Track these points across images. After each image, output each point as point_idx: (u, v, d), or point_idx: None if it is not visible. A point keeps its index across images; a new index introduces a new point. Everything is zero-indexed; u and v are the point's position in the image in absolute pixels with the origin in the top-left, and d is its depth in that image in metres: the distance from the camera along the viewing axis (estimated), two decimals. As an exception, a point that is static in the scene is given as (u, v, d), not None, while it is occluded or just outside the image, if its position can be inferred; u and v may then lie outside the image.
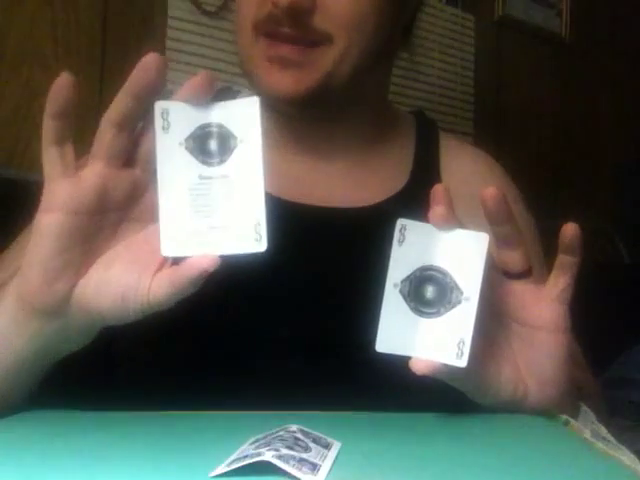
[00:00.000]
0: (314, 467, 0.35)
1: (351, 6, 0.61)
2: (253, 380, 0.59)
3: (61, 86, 0.43)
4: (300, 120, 0.69)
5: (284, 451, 0.36)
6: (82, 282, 0.44)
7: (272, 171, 0.71)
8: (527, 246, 0.51)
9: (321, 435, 0.41)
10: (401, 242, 0.48)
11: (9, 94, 1.14)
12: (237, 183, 0.44)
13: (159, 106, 0.45)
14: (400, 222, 0.48)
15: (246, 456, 0.35)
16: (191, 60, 1.33)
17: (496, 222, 0.49)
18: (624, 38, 2.15)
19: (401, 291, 0.48)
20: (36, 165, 1.26)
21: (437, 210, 0.47)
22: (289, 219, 0.68)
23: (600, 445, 0.43)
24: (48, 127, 0.44)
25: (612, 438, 0.45)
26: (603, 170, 2.10)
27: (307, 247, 0.66)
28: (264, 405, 0.50)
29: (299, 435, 0.40)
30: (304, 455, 0.36)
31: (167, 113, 0.45)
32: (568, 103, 2.04)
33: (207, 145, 0.44)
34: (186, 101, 0.45)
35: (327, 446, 0.40)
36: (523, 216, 0.78)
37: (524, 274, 0.51)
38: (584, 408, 0.51)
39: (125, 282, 0.44)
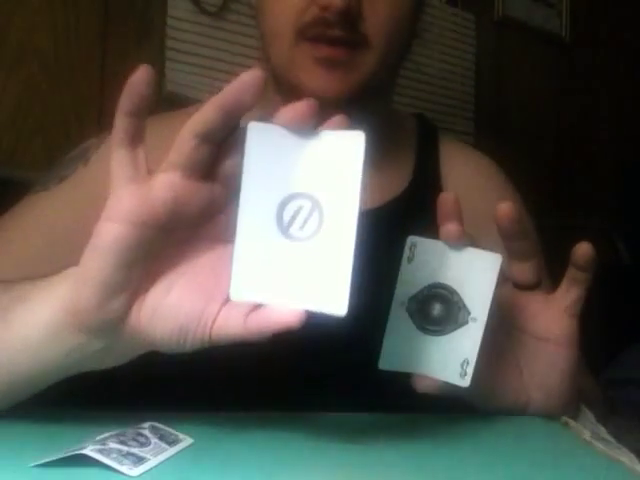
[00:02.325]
0: (138, 460, 0.36)
1: (389, 14, 0.64)
2: (254, 381, 0.59)
3: (140, 80, 0.38)
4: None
5: (112, 445, 0.37)
6: (139, 305, 0.40)
7: None
8: (539, 258, 0.51)
9: (173, 432, 0.42)
10: (410, 260, 0.47)
11: (9, 94, 1.14)
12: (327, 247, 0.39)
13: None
14: (410, 239, 0.47)
15: (70, 450, 0.36)
16: (191, 60, 1.33)
17: (510, 239, 0.48)
18: (624, 38, 2.15)
19: (407, 309, 0.47)
20: (36, 165, 1.25)
21: (450, 228, 0.46)
22: None
23: (600, 445, 0.44)
24: (121, 125, 0.39)
25: (612, 438, 0.45)
26: (603, 170, 2.10)
27: None
28: (264, 407, 0.50)
29: (145, 431, 0.41)
30: (135, 450, 0.37)
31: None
32: (568, 103, 2.03)
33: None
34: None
35: (173, 442, 0.41)
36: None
37: (534, 285, 0.51)
38: (584, 409, 0.51)
39: (186, 312, 0.40)
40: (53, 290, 0.43)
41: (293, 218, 0.38)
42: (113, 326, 0.40)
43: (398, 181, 0.73)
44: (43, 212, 0.66)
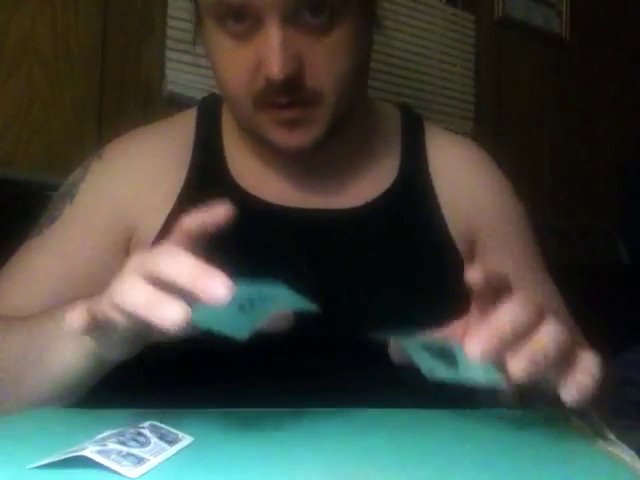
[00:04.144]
0: (138, 461, 0.37)
1: (333, 68, 0.63)
2: (254, 378, 0.59)
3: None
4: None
5: (111, 446, 0.37)
6: None
7: (262, 176, 0.72)
8: None
9: (173, 431, 0.42)
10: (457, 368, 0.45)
11: (9, 94, 1.14)
12: None
13: None
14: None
15: (70, 451, 0.36)
16: (191, 60, 1.33)
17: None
18: (624, 38, 2.15)
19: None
20: (36, 166, 1.25)
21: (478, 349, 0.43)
22: (285, 224, 0.68)
23: (601, 442, 0.44)
24: None
25: (613, 436, 0.45)
26: (603, 170, 2.10)
27: (304, 250, 0.67)
28: (264, 402, 0.51)
29: (145, 431, 0.41)
30: (134, 450, 0.38)
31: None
32: (568, 103, 2.03)
33: None
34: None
35: (173, 442, 0.41)
36: (511, 203, 0.79)
37: None
38: (587, 407, 0.51)
39: None
40: (77, 335, 0.49)
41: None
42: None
43: (386, 173, 0.74)
44: (37, 259, 0.68)
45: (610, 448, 0.42)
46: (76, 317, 0.44)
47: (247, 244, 0.67)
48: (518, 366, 0.42)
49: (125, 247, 0.69)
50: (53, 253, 0.68)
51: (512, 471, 0.38)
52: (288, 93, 0.62)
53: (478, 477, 0.37)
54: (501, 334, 0.42)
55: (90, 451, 0.36)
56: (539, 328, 0.44)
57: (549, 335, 0.43)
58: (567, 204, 1.98)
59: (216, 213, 0.48)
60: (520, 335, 0.43)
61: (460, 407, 0.51)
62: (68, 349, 0.53)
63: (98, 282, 0.67)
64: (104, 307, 0.44)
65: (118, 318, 0.44)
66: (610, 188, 2.10)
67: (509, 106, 1.91)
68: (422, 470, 0.38)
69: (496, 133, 1.85)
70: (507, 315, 0.43)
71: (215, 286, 0.39)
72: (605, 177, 2.10)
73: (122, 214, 0.69)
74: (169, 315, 0.40)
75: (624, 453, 0.41)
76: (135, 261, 0.45)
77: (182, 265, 0.42)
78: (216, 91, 0.85)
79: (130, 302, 0.42)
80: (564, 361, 0.44)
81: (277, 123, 0.64)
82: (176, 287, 0.41)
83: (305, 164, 0.72)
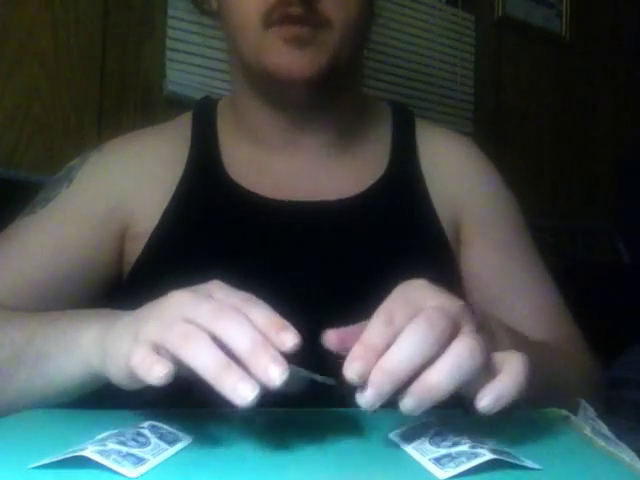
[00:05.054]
0: (138, 461, 0.37)
1: None
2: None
3: None
4: (294, 110, 0.71)
5: (111, 446, 0.37)
6: None
7: (256, 170, 0.72)
8: None
9: (173, 431, 0.42)
10: None
11: (9, 94, 1.14)
12: None
13: None
14: None
15: (70, 451, 0.36)
16: (191, 60, 1.33)
17: None
18: (624, 38, 2.15)
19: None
20: (36, 165, 1.25)
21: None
22: (277, 217, 0.69)
23: (600, 441, 0.44)
24: None
25: (612, 435, 0.45)
26: (603, 170, 2.10)
27: (296, 243, 0.67)
28: (264, 402, 0.50)
29: (145, 431, 0.41)
30: (134, 450, 0.38)
31: None
32: (568, 103, 2.04)
33: None
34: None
35: (173, 442, 0.41)
36: (499, 192, 0.80)
37: None
38: (584, 404, 0.51)
39: None
40: (87, 352, 0.49)
41: None
42: None
43: (376, 165, 0.75)
44: (30, 236, 0.68)
45: (610, 448, 0.42)
46: (156, 368, 0.39)
47: (243, 238, 0.67)
48: (406, 406, 0.39)
49: (119, 238, 0.70)
50: (46, 232, 0.68)
51: (511, 471, 0.38)
52: (302, 4, 0.63)
53: (476, 478, 0.37)
54: (394, 374, 0.39)
55: (90, 451, 0.36)
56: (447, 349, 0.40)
57: (450, 362, 0.40)
58: (567, 204, 1.98)
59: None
60: (422, 364, 0.39)
61: (457, 407, 0.51)
62: (71, 362, 0.50)
63: (87, 265, 0.68)
64: (163, 348, 0.41)
65: (173, 368, 0.40)
66: (609, 187, 2.10)
67: (509, 106, 1.91)
68: (422, 469, 0.38)
69: (496, 133, 1.85)
70: (404, 348, 0.39)
71: (273, 371, 0.38)
72: (605, 177, 2.11)
73: (119, 205, 0.70)
74: (241, 392, 0.37)
75: (622, 452, 0.41)
76: (190, 306, 0.41)
77: (244, 335, 0.39)
78: (216, 91, 0.85)
79: (198, 364, 0.39)
80: (482, 372, 0.42)
81: (285, 41, 0.65)
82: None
83: (302, 152, 0.73)
